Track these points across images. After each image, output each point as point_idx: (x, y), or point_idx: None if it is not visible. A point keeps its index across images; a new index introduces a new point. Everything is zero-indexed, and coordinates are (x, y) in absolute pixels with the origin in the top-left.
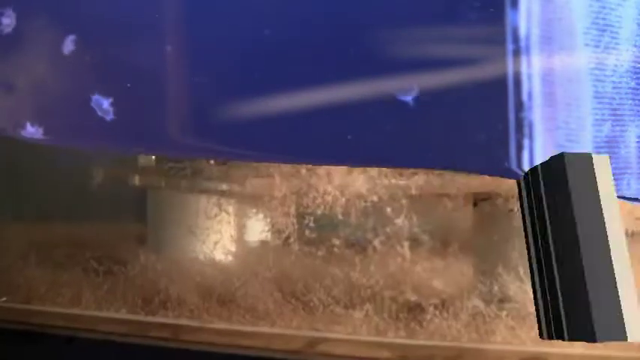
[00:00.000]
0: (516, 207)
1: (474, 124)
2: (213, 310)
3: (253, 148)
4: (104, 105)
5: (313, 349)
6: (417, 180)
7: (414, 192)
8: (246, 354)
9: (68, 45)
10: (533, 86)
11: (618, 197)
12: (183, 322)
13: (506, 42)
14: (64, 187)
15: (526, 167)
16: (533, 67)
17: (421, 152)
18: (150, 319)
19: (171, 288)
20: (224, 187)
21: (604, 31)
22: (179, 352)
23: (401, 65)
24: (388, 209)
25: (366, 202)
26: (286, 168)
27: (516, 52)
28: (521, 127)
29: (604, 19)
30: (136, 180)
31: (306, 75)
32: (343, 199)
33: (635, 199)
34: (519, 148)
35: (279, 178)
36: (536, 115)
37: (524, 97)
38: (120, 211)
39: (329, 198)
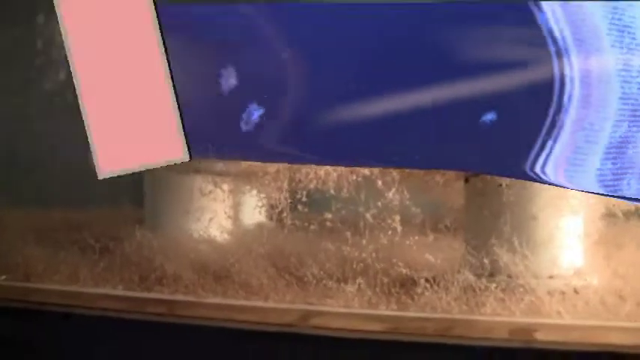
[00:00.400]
0: (504, 182)
1: (514, 128)
2: (208, 285)
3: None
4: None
5: (307, 322)
6: None
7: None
8: (241, 328)
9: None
10: (573, 88)
11: (618, 197)
12: (179, 297)
13: (547, 44)
14: (63, 171)
15: (538, 169)
16: (573, 69)
17: (466, 156)
18: (146, 295)
19: (167, 265)
20: (219, 165)
21: (623, 31)
22: (175, 326)
23: (472, 73)
24: (379, 183)
25: (357, 176)
26: None
27: (558, 54)
28: (552, 129)
29: (619, 19)
30: None
31: (402, 86)
32: (335, 174)
33: (636, 200)
34: (541, 149)
35: None
36: (570, 117)
37: (565, 99)
38: (118, 194)
39: (321, 172)
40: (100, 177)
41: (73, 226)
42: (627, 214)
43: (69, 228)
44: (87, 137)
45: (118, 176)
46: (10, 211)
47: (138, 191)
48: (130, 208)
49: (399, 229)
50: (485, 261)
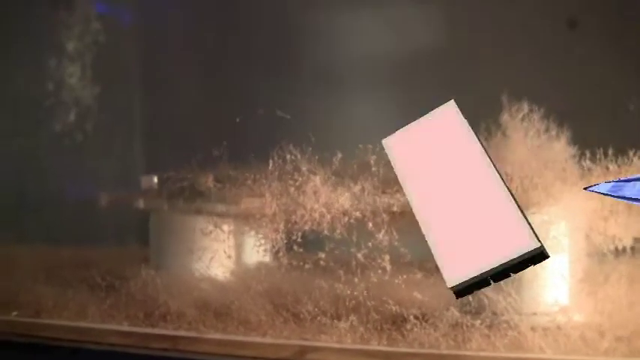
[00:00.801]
0: None
1: None
2: (209, 322)
3: None
4: None
5: (303, 357)
6: (399, 197)
7: (395, 209)
8: None
9: None
10: None
11: (618, 197)
12: (182, 333)
13: None
14: (71, 211)
15: None
16: None
17: None
18: (151, 330)
19: (171, 302)
20: (221, 207)
21: None
22: None
23: None
24: (370, 225)
25: (350, 218)
26: (277, 187)
27: None
28: None
29: None
30: (141, 203)
31: None
32: (329, 216)
33: (636, 200)
34: None
35: (270, 197)
36: None
37: None
38: (125, 234)
39: (316, 215)
40: (449, 286)
41: (81, 265)
42: (614, 252)
43: (77, 266)
44: (94, 176)
45: (124, 216)
46: (20, 249)
47: (144, 231)
48: (136, 248)
49: (389, 268)
50: (471, 299)
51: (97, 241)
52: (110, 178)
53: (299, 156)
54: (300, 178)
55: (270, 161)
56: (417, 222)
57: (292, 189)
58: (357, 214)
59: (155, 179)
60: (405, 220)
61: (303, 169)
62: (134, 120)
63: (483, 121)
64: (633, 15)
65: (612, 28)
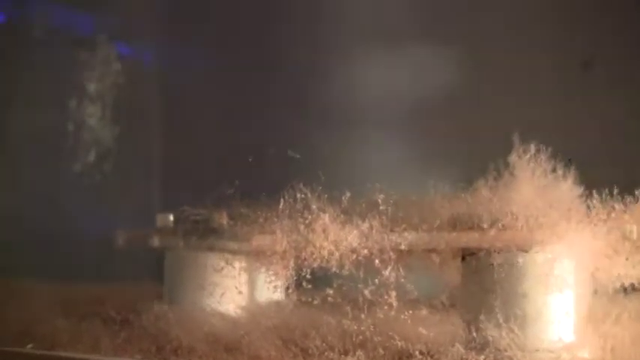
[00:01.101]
0: (496, 261)
1: None
2: (220, 357)
3: None
4: None
5: None
6: (407, 236)
7: (403, 247)
8: None
9: None
10: None
11: None
12: None
13: None
14: (88, 248)
15: None
16: None
17: None
18: None
19: (182, 337)
20: (233, 244)
21: None
22: None
23: None
24: (377, 262)
25: (358, 255)
26: (287, 224)
27: None
28: None
29: None
30: (156, 241)
31: None
32: (338, 254)
33: None
34: None
35: (281, 234)
36: None
37: None
38: (139, 271)
39: (325, 252)
40: None
41: (96, 299)
42: (618, 290)
43: (93, 301)
44: (112, 215)
45: (140, 253)
46: (37, 284)
47: (158, 268)
48: (151, 284)
49: (395, 304)
50: (476, 335)
51: (113, 277)
52: (128, 217)
53: (309, 194)
54: (310, 216)
55: (282, 200)
56: (423, 259)
57: (302, 227)
58: (365, 251)
59: (171, 217)
60: (411, 257)
61: (313, 207)
62: (152, 159)
63: (493, 161)
64: None
65: (623, 70)
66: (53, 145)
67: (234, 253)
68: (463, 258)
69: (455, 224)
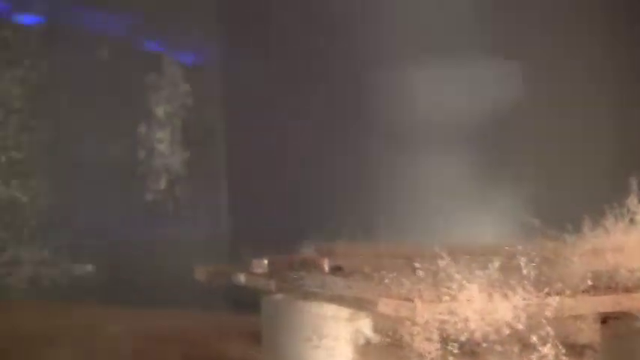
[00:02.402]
0: None
1: None
2: None
3: None
4: None
5: None
6: (552, 302)
7: (548, 314)
8: None
9: None
10: None
11: None
12: None
13: None
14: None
15: None
16: None
17: None
18: None
19: None
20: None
21: None
22: None
23: None
24: (534, 338)
25: (508, 327)
26: (428, 294)
27: None
28: None
29: None
30: (242, 278)
31: None
32: (484, 325)
33: None
34: None
35: (421, 304)
36: None
37: None
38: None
39: (471, 324)
40: None
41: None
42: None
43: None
44: (185, 245)
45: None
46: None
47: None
48: (227, 316)
49: None
50: None
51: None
52: (200, 248)
53: (451, 261)
54: (454, 286)
55: (417, 269)
56: (564, 327)
57: (446, 297)
58: (519, 325)
59: (265, 262)
60: (557, 323)
61: (457, 276)
62: (221, 187)
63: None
64: None
65: None
66: (124, 173)
67: (352, 306)
68: (604, 321)
69: (595, 285)
